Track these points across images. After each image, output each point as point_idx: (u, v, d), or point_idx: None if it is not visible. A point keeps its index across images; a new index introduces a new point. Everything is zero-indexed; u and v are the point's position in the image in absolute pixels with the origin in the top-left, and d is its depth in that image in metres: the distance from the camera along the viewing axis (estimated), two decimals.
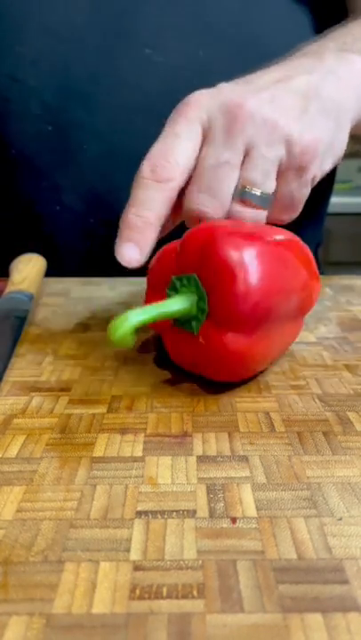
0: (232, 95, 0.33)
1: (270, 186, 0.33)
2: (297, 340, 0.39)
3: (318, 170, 0.35)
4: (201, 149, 0.33)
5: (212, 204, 0.32)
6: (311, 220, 0.68)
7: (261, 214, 0.34)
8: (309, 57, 0.37)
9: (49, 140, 0.55)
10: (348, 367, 0.34)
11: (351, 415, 0.29)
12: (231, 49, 0.55)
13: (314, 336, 0.40)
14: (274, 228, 0.33)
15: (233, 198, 0.33)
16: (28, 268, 0.49)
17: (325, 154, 0.35)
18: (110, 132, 0.54)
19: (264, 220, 0.34)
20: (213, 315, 0.29)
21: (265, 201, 0.33)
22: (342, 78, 0.36)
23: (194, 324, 0.30)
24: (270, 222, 0.35)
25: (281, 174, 0.34)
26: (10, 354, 0.35)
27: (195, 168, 0.33)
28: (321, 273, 0.70)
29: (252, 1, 0.56)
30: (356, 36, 0.40)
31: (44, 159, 0.56)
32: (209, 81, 0.55)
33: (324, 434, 0.27)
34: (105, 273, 0.54)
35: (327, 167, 0.36)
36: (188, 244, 0.30)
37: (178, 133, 0.32)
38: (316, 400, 0.30)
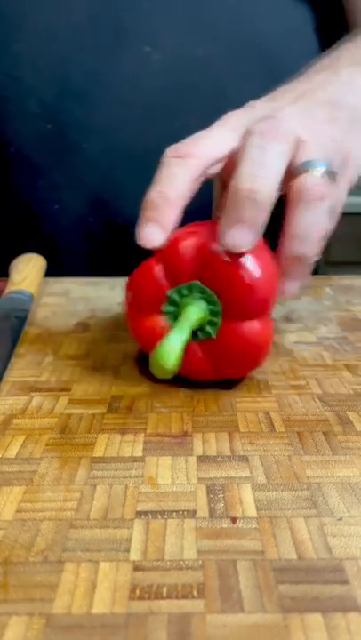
0: (266, 109, 0.33)
1: (335, 163, 0.31)
2: (297, 339, 0.39)
3: (355, 177, 0.34)
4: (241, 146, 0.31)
5: (265, 174, 0.28)
6: None
7: (328, 183, 0.30)
8: (324, 72, 0.37)
9: (47, 138, 0.55)
10: (348, 367, 0.34)
11: (351, 415, 0.29)
12: (230, 46, 0.55)
13: (314, 336, 0.40)
14: None
15: (294, 174, 0.30)
16: (28, 268, 0.49)
17: (357, 165, 0.34)
18: (109, 131, 0.54)
19: (329, 192, 0.30)
20: (226, 311, 0.30)
21: (332, 176, 0.31)
22: (359, 88, 0.36)
23: (209, 328, 0.30)
24: (312, 233, 0.32)
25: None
26: (10, 354, 0.35)
27: (237, 156, 0.30)
28: (321, 273, 0.70)
29: (251, 5, 0.56)
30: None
31: (43, 158, 0.56)
32: (208, 78, 0.55)
33: (324, 434, 0.27)
34: (105, 273, 0.54)
35: (358, 174, 0.35)
36: (178, 255, 0.30)
37: (210, 130, 0.32)
38: (316, 400, 0.30)
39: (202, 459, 0.25)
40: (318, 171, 0.30)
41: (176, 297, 0.31)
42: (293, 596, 0.18)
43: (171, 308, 0.31)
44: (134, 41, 0.53)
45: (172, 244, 0.30)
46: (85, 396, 0.31)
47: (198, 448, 0.26)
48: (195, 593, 0.18)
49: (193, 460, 0.25)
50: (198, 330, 0.30)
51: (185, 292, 0.30)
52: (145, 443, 0.26)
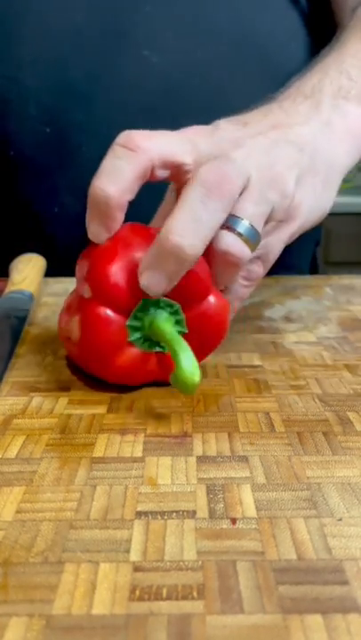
0: (231, 135, 0.32)
1: (260, 225, 0.31)
2: (297, 339, 0.39)
3: (298, 229, 0.34)
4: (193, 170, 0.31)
5: (197, 233, 0.28)
6: None
7: (246, 251, 0.30)
8: (306, 103, 0.37)
9: (47, 140, 0.55)
10: (348, 367, 0.34)
11: (351, 415, 0.29)
12: (229, 49, 0.55)
13: (314, 336, 0.40)
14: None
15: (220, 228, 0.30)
16: (28, 268, 0.49)
17: (310, 214, 0.35)
18: (108, 133, 0.54)
19: (247, 258, 0.30)
20: (183, 304, 0.30)
21: (254, 236, 0.30)
22: (336, 132, 0.36)
23: (179, 327, 0.31)
24: (245, 273, 0.33)
25: (266, 223, 0.32)
26: (10, 354, 0.35)
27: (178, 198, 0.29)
28: (321, 273, 0.70)
29: (248, 1, 0.56)
30: (351, 76, 0.39)
31: (43, 160, 0.56)
32: (207, 81, 0.55)
33: (324, 434, 0.27)
34: None
35: (308, 225, 0.35)
36: (114, 287, 0.29)
37: (169, 132, 0.32)
38: (316, 400, 0.30)
39: (202, 459, 0.25)
40: (238, 231, 0.30)
41: (136, 322, 0.30)
42: (293, 596, 0.18)
43: (138, 334, 0.30)
44: (134, 44, 0.53)
45: (102, 277, 0.29)
46: (85, 397, 0.31)
47: (198, 448, 0.26)
48: (195, 594, 0.18)
49: (193, 460, 0.25)
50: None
51: (139, 314, 0.30)
52: (145, 443, 0.26)
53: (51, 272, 0.53)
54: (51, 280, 0.53)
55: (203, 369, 0.34)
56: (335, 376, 0.33)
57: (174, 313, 0.30)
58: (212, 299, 0.31)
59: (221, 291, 0.32)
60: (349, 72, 0.40)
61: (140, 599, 0.17)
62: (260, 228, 0.30)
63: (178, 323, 0.31)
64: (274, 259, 0.34)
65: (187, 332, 0.31)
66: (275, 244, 0.33)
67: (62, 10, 0.53)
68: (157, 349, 0.31)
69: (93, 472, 0.24)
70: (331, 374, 0.33)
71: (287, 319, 0.43)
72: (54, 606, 0.17)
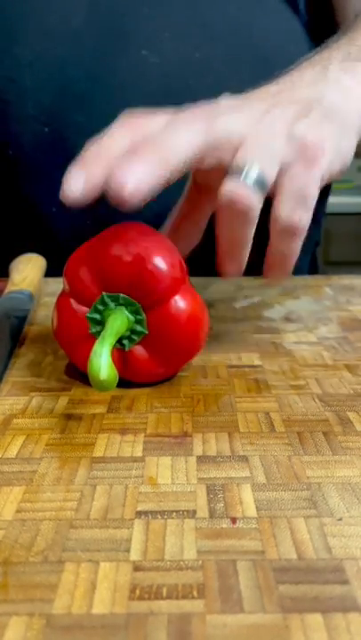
0: (224, 105, 0.33)
1: (269, 171, 0.30)
2: (297, 339, 0.39)
3: (327, 169, 0.32)
4: None
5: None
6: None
7: (254, 199, 0.29)
8: (313, 68, 0.37)
9: (45, 141, 0.55)
10: (348, 367, 0.34)
11: (351, 415, 0.29)
12: (227, 50, 0.55)
13: (314, 336, 0.40)
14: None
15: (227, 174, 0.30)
16: (28, 268, 0.49)
17: (333, 155, 0.33)
18: None
19: (256, 206, 0.30)
20: (145, 304, 0.30)
21: (261, 185, 0.30)
22: (347, 87, 0.35)
23: (139, 326, 0.31)
24: (283, 223, 0.31)
25: (287, 170, 0.31)
26: (10, 354, 0.35)
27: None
28: (321, 273, 0.70)
29: (248, 2, 0.56)
30: (360, 46, 0.39)
31: (42, 160, 0.56)
32: (205, 82, 0.55)
33: (325, 434, 0.27)
34: None
35: (335, 169, 0.34)
36: (79, 280, 0.31)
37: (175, 127, 0.31)
38: (317, 400, 0.30)
39: (202, 459, 0.25)
40: (247, 177, 0.29)
41: (97, 316, 0.31)
42: (293, 596, 0.18)
43: (98, 328, 0.31)
44: (132, 44, 0.53)
45: (72, 271, 0.31)
46: (85, 397, 0.31)
47: (198, 448, 0.26)
48: (195, 593, 0.18)
49: (193, 460, 0.25)
50: (131, 333, 0.31)
51: (100, 307, 0.30)
52: (145, 443, 0.26)
53: (50, 272, 0.53)
54: (51, 280, 0.53)
55: (203, 369, 0.34)
56: (335, 376, 0.33)
57: (135, 312, 0.30)
58: (179, 301, 0.30)
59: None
60: (357, 42, 0.40)
61: (141, 598, 0.17)
62: (269, 174, 0.30)
63: (138, 322, 0.31)
64: (313, 200, 0.31)
65: (147, 332, 0.31)
66: (308, 185, 0.31)
67: (61, 10, 0.53)
68: (116, 346, 0.31)
69: (93, 472, 0.24)
70: (331, 374, 0.34)
71: (287, 319, 0.43)
72: (54, 606, 0.17)
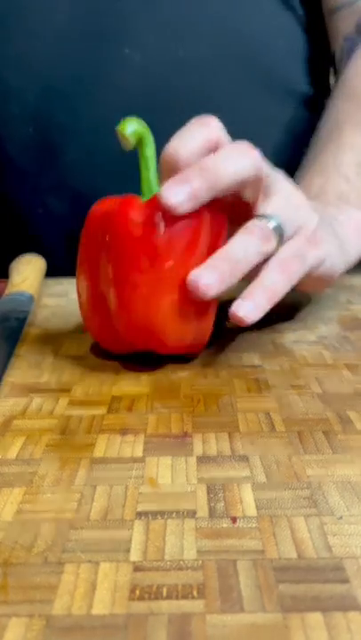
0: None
1: (287, 229, 0.33)
2: (297, 339, 0.39)
3: (327, 259, 0.36)
4: None
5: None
6: None
7: (273, 240, 0.33)
8: (314, 201, 0.40)
9: (30, 141, 0.55)
10: (348, 366, 0.34)
11: (351, 414, 0.29)
12: (212, 48, 0.55)
13: (314, 335, 0.40)
14: None
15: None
16: (28, 270, 0.49)
17: (334, 253, 0.37)
18: (92, 134, 0.54)
19: (270, 248, 0.33)
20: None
21: (279, 233, 0.33)
22: (345, 226, 0.40)
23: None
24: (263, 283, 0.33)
25: (296, 237, 0.35)
26: (9, 355, 0.35)
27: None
28: None
29: (233, 1, 0.56)
30: (349, 179, 0.43)
31: (26, 161, 0.56)
32: (188, 80, 0.55)
33: (325, 433, 0.27)
34: None
35: (337, 268, 0.38)
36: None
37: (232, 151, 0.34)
38: (317, 399, 0.30)
39: (202, 459, 0.25)
40: (270, 222, 0.33)
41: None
42: (294, 595, 0.17)
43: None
44: (115, 43, 0.53)
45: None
46: (85, 397, 0.31)
47: (198, 448, 0.26)
48: (195, 593, 0.18)
49: (193, 460, 0.25)
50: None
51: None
52: (145, 443, 0.26)
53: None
54: (50, 281, 0.53)
55: (203, 369, 0.34)
56: (335, 375, 0.33)
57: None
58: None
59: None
60: (348, 175, 0.44)
61: (141, 599, 0.17)
62: (289, 231, 0.33)
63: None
64: (308, 266, 0.34)
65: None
66: (309, 252, 0.34)
67: (45, 9, 0.53)
68: None
69: (93, 472, 0.24)
70: (331, 373, 0.33)
71: (287, 319, 0.43)
72: (54, 606, 0.17)
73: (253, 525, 0.21)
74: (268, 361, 0.35)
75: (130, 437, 0.27)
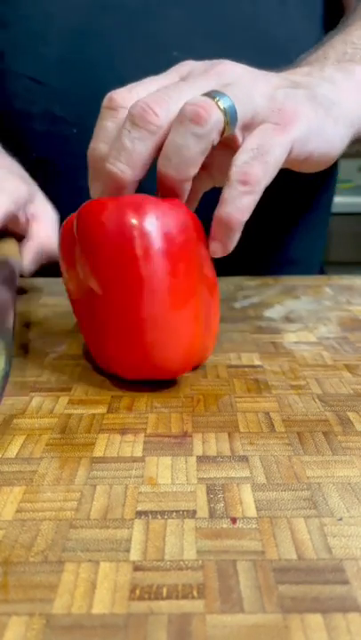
0: (220, 60, 0.33)
1: (242, 110, 0.30)
2: (297, 339, 0.39)
3: (299, 140, 0.31)
4: None
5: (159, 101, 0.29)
6: (319, 216, 0.67)
7: (217, 118, 0.28)
8: (311, 65, 0.37)
9: (72, 143, 0.54)
10: (348, 367, 0.34)
11: (351, 415, 0.29)
12: (258, 52, 0.55)
13: (314, 336, 0.40)
14: None
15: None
16: (7, 246, 0.48)
17: (311, 133, 0.32)
18: None
19: (216, 127, 0.29)
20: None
21: (231, 114, 0.29)
22: (340, 86, 0.35)
23: None
24: (237, 172, 0.30)
25: (257, 126, 0.31)
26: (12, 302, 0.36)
27: None
28: (323, 273, 0.70)
29: (277, 9, 0.55)
30: (356, 45, 0.39)
31: (66, 162, 0.55)
32: None
33: (325, 434, 0.27)
34: None
35: (311, 148, 0.32)
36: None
37: (154, 78, 0.33)
38: (317, 400, 0.30)
39: (202, 459, 0.25)
40: (216, 99, 0.29)
41: None
42: (293, 596, 0.18)
43: None
44: (162, 45, 0.53)
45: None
46: (85, 396, 0.31)
47: (198, 448, 0.26)
48: (195, 593, 0.18)
49: (193, 460, 0.25)
50: None
51: None
52: (145, 443, 0.26)
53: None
54: (51, 280, 0.53)
55: (203, 369, 0.34)
56: (335, 376, 0.33)
57: None
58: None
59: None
60: (354, 41, 0.40)
61: (141, 598, 0.17)
62: (239, 109, 0.30)
63: None
64: (274, 161, 0.30)
65: None
66: (273, 144, 0.30)
67: (90, 10, 0.53)
68: None
69: (93, 472, 0.24)
70: (331, 374, 0.33)
71: (287, 319, 0.43)
72: (54, 605, 0.17)
73: (253, 526, 0.21)
74: (268, 361, 0.35)
75: (130, 437, 0.27)
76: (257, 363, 0.35)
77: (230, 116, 0.29)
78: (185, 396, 0.31)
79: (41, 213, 0.46)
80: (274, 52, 0.55)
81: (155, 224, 0.28)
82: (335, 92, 0.35)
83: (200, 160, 0.29)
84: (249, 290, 0.51)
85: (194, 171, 0.29)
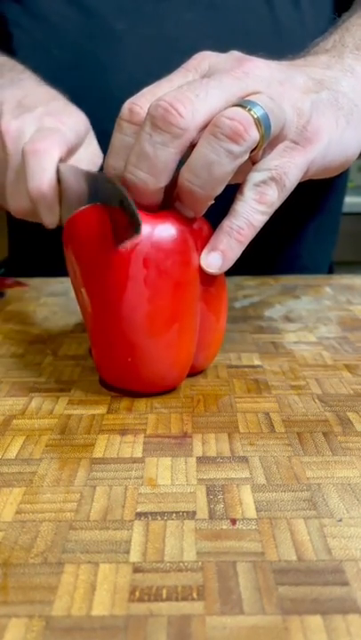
0: (241, 54, 0.32)
1: (274, 121, 0.28)
2: (297, 339, 0.39)
3: (320, 157, 0.31)
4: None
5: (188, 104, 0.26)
6: (330, 219, 0.67)
7: (253, 132, 0.26)
8: (327, 54, 0.36)
9: None
10: (348, 367, 0.34)
11: (351, 415, 0.29)
12: (272, 56, 0.55)
13: (314, 336, 0.40)
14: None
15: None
16: None
17: (330, 146, 0.31)
18: None
19: (251, 142, 0.27)
20: None
21: (266, 126, 0.27)
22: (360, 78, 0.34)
23: None
24: (255, 194, 0.29)
25: (279, 141, 0.30)
26: None
27: None
28: (322, 272, 0.70)
29: (293, 12, 0.55)
30: None
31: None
32: None
33: (324, 434, 0.27)
34: None
35: (328, 160, 0.32)
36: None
37: (170, 79, 0.31)
38: (316, 400, 0.30)
39: (202, 459, 0.25)
40: (252, 111, 0.27)
41: None
42: (293, 597, 0.17)
43: None
44: (176, 51, 0.53)
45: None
46: (85, 397, 0.31)
47: (198, 449, 0.26)
48: (194, 595, 0.18)
49: (193, 460, 0.25)
50: None
51: None
52: (145, 443, 0.26)
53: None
54: (51, 280, 0.53)
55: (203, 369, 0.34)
56: (335, 376, 0.33)
57: None
58: None
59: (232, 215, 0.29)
60: None
61: (140, 600, 0.17)
62: (272, 122, 0.28)
63: None
64: (290, 184, 0.30)
65: None
66: (290, 166, 0.29)
67: (102, 14, 0.52)
68: None
69: (93, 473, 0.24)
70: (331, 374, 0.33)
71: (287, 319, 0.43)
72: (54, 607, 0.17)
73: (253, 527, 0.21)
74: (268, 361, 0.35)
75: (129, 437, 0.27)
76: (257, 363, 0.35)
77: (265, 130, 0.27)
78: (185, 396, 0.31)
79: (91, 148, 0.41)
80: (288, 55, 0.55)
81: (140, 250, 0.27)
82: (357, 90, 0.34)
83: (228, 178, 0.27)
84: (249, 289, 0.51)
85: (220, 189, 0.28)
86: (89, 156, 0.39)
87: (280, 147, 0.30)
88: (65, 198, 0.34)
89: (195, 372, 0.33)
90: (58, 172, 0.34)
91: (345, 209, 0.78)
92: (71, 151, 0.37)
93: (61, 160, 0.35)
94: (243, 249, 0.29)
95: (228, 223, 0.29)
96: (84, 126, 0.40)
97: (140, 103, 0.29)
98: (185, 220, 0.28)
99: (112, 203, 0.27)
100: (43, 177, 0.33)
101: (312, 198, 0.63)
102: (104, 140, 0.55)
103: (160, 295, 0.28)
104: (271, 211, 0.29)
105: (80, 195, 0.32)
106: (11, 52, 0.54)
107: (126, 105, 0.29)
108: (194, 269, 0.29)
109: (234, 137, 0.26)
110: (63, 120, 0.38)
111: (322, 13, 0.57)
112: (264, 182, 0.29)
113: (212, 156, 0.26)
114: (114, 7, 0.53)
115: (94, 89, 0.53)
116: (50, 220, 0.35)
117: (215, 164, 0.26)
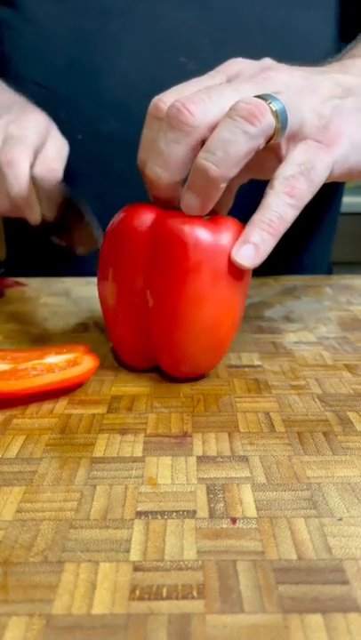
0: (272, 62, 0.33)
1: (292, 119, 0.29)
2: (297, 339, 0.39)
3: (342, 159, 0.31)
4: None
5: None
6: (328, 215, 0.67)
7: (269, 119, 0.27)
8: (344, 64, 0.36)
9: (78, 149, 0.54)
10: (348, 367, 0.34)
11: (351, 415, 0.29)
12: (266, 56, 0.55)
13: (314, 336, 0.40)
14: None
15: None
16: None
17: (352, 149, 0.31)
18: None
19: (267, 129, 0.27)
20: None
21: (283, 118, 0.28)
22: None
23: None
24: (287, 188, 0.29)
25: (301, 140, 0.30)
26: None
27: None
28: (323, 272, 0.70)
29: (287, 11, 0.55)
30: None
31: (73, 168, 0.55)
32: None
33: (325, 434, 0.27)
34: None
35: (351, 163, 0.32)
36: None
37: (200, 79, 0.32)
38: (317, 400, 0.30)
39: (202, 459, 0.25)
40: (270, 102, 0.28)
41: None
42: (293, 596, 0.18)
43: None
44: (170, 51, 0.52)
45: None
46: (85, 396, 0.31)
47: (198, 448, 0.26)
48: (195, 593, 0.18)
49: (193, 460, 0.25)
50: None
51: None
52: (145, 443, 0.26)
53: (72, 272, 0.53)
54: (51, 280, 0.53)
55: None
56: (335, 376, 0.33)
57: None
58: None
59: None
60: None
61: (140, 599, 0.17)
62: (289, 117, 0.28)
63: None
64: (319, 180, 0.30)
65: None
66: (317, 161, 0.30)
67: (97, 16, 0.52)
68: None
69: (93, 472, 0.24)
70: (331, 374, 0.33)
71: (287, 319, 0.43)
72: (54, 606, 0.17)
73: (253, 526, 0.21)
74: (268, 361, 0.35)
75: (130, 437, 0.27)
76: (257, 363, 0.35)
77: (281, 122, 0.28)
78: (185, 395, 0.31)
79: (55, 142, 0.43)
80: (286, 56, 0.55)
81: (205, 237, 0.28)
82: None
83: (243, 162, 0.28)
84: (249, 290, 0.51)
85: (234, 171, 0.28)
86: (56, 149, 0.42)
87: (304, 144, 0.30)
88: (42, 196, 0.39)
89: (200, 374, 0.33)
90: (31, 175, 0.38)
91: (345, 209, 0.77)
92: (38, 151, 0.40)
93: (30, 163, 0.39)
94: (275, 243, 0.29)
95: (260, 216, 0.29)
96: (44, 124, 0.42)
97: (166, 100, 0.31)
98: (239, 226, 0.30)
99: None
100: (22, 184, 0.38)
101: (312, 198, 0.63)
102: (98, 142, 0.55)
103: (224, 298, 0.30)
104: (302, 205, 0.30)
105: (54, 192, 0.37)
106: (3, 54, 0.54)
107: (154, 101, 0.31)
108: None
109: (249, 118, 0.27)
110: (25, 125, 0.41)
111: (316, 14, 0.57)
112: (293, 176, 0.29)
113: (227, 135, 0.27)
114: (106, 9, 0.53)
115: (88, 90, 0.53)
116: (33, 217, 0.40)
117: (231, 142, 0.27)
